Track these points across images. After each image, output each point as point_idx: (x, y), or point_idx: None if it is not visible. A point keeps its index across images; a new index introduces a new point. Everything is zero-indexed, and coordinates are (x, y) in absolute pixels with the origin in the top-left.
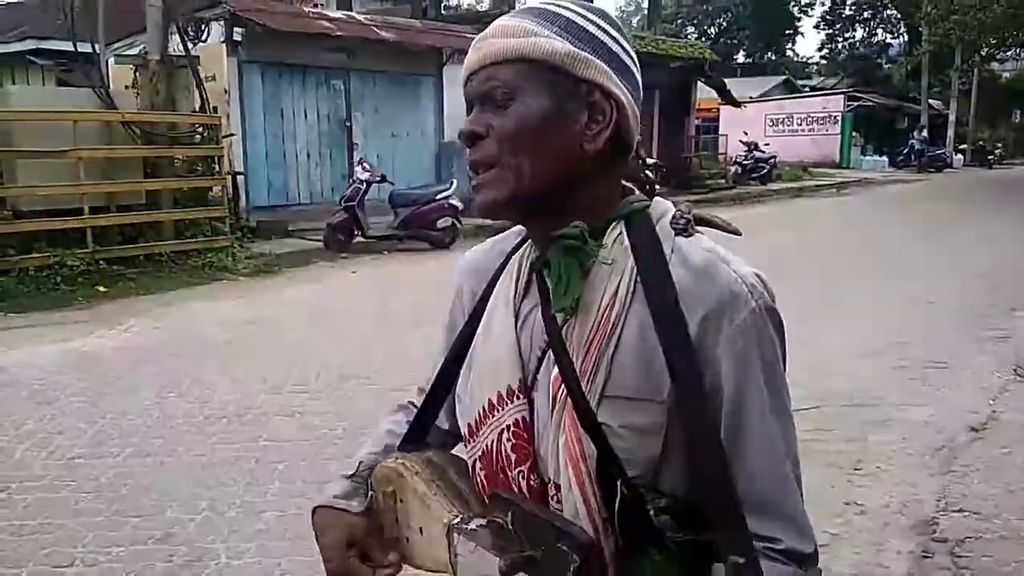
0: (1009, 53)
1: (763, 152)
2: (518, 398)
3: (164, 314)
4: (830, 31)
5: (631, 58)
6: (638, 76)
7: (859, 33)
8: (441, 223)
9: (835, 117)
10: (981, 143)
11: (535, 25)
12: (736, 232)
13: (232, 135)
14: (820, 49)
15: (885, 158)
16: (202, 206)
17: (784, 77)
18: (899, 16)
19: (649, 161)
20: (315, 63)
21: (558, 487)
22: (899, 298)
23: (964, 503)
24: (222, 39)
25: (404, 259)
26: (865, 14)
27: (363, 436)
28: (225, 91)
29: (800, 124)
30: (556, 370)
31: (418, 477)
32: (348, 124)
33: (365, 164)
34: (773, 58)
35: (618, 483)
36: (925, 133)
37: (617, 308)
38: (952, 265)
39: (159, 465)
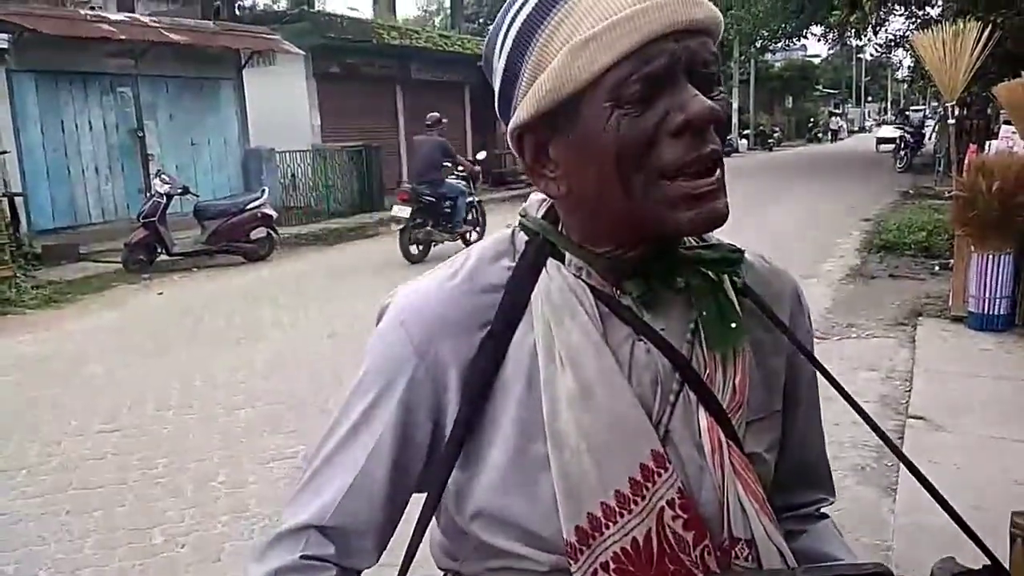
0: (779, 44)
1: None
2: (669, 462)
3: None
4: None
5: None
6: None
7: None
8: (255, 234)
9: None
10: (762, 128)
11: None
12: None
13: (5, 152)
14: None
15: None
16: None
17: None
18: None
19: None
20: (97, 69)
21: (749, 543)
22: None
23: None
24: None
25: (216, 275)
26: None
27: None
28: None
29: None
30: (705, 415)
31: None
32: (140, 134)
33: (164, 176)
34: None
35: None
36: None
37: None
38: (756, 239)
39: None
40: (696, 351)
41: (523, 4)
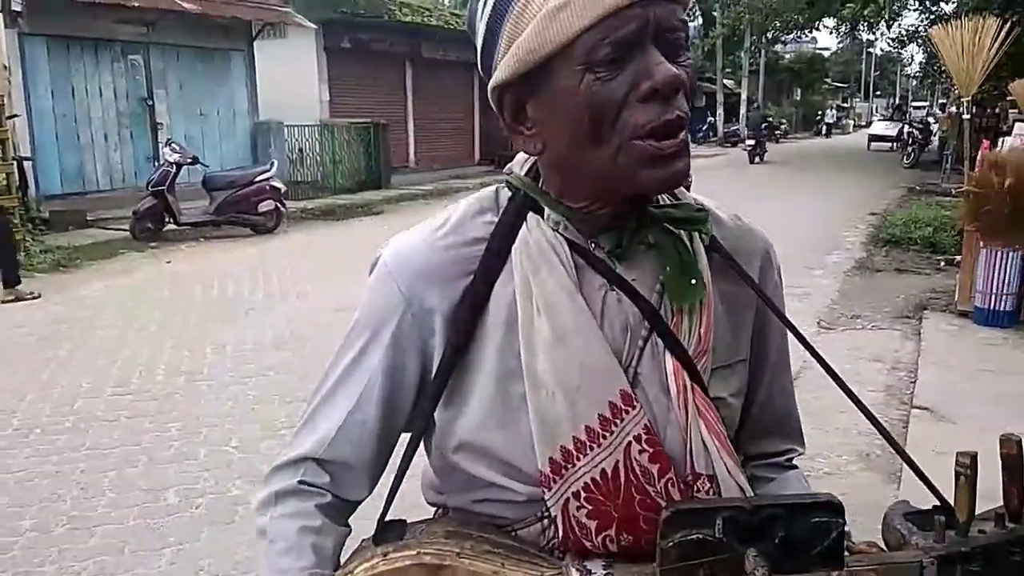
0: (791, 36)
1: None
2: (636, 401)
3: None
4: None
5: None
6: None
7: None
8: (263, 206)
9: None
10: (769, 120)
11: None
12: None
13: (16, 116)
14: None
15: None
16: None
17: None
18: (695, 0)
19: None
20: (109, 36)
21: (711, 478)
22: None
23: None
24: None
25: (223, 246)
26: None
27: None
28: (4, 67)
29: None
30: (671, 359)
31: (470, 556)
32: (150, 103)
33: (174, 145)
34: None
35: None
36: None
37: (710, 281)
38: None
39: None
40: (664, 301)
41: None
